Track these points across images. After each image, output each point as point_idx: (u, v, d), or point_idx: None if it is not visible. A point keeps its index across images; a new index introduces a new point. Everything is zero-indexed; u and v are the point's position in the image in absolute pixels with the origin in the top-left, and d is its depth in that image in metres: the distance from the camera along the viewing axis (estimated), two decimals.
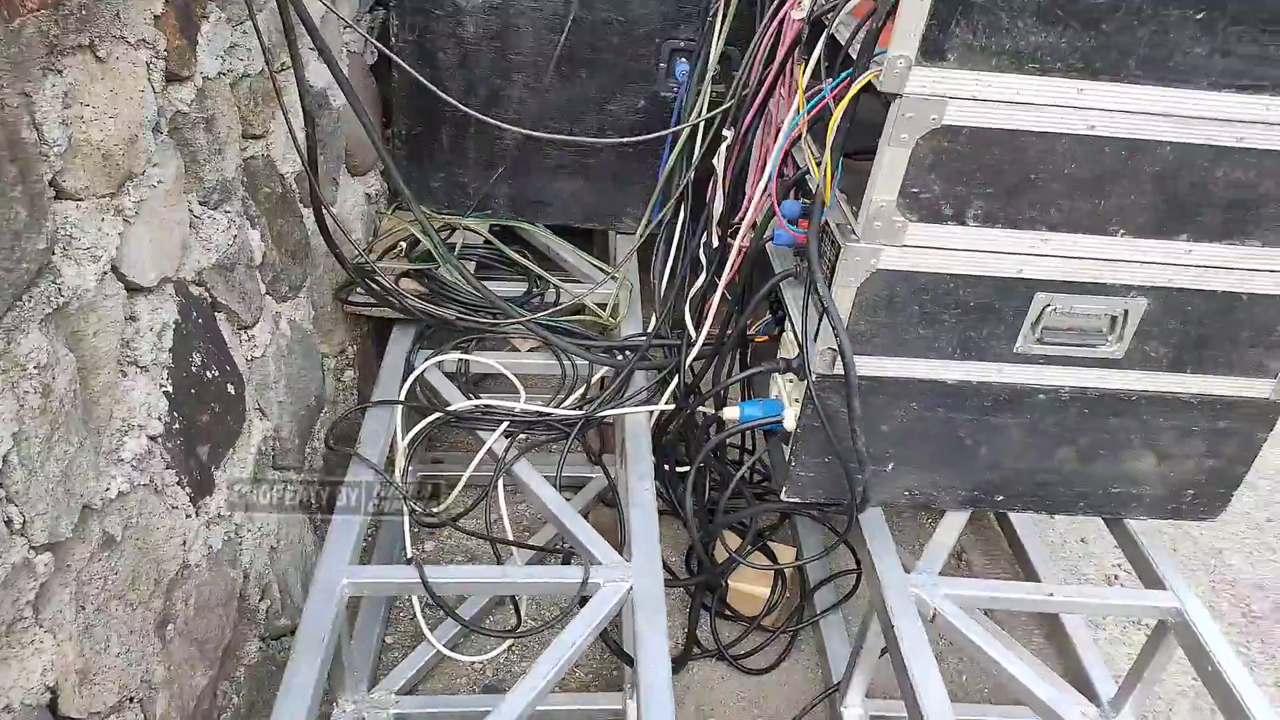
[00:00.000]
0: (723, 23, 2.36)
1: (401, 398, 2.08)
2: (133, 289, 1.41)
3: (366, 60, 2.66)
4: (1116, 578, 2.40)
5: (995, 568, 2.42)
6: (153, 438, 1.44)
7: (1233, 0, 1.38)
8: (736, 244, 2.02)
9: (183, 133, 1.57)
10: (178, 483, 1.50)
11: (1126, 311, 1.65)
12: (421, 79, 1.96)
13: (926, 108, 1.46)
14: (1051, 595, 1.79)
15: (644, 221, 2.62)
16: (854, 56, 1.55)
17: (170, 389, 1.49)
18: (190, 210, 1.61)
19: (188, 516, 1.52)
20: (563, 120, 2.58)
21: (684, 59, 2.51)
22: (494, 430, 2.01)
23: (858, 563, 2.28)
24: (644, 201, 2.71)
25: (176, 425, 1.50)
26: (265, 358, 1.87)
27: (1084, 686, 2.03)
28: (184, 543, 1.51)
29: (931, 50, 1.41)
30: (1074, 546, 2.50)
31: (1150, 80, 1.44)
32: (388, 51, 2.04)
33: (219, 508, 1.64)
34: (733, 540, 2.20)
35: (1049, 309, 1.65)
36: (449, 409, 2.04)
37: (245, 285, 1.79)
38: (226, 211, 1.73)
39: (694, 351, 2.10)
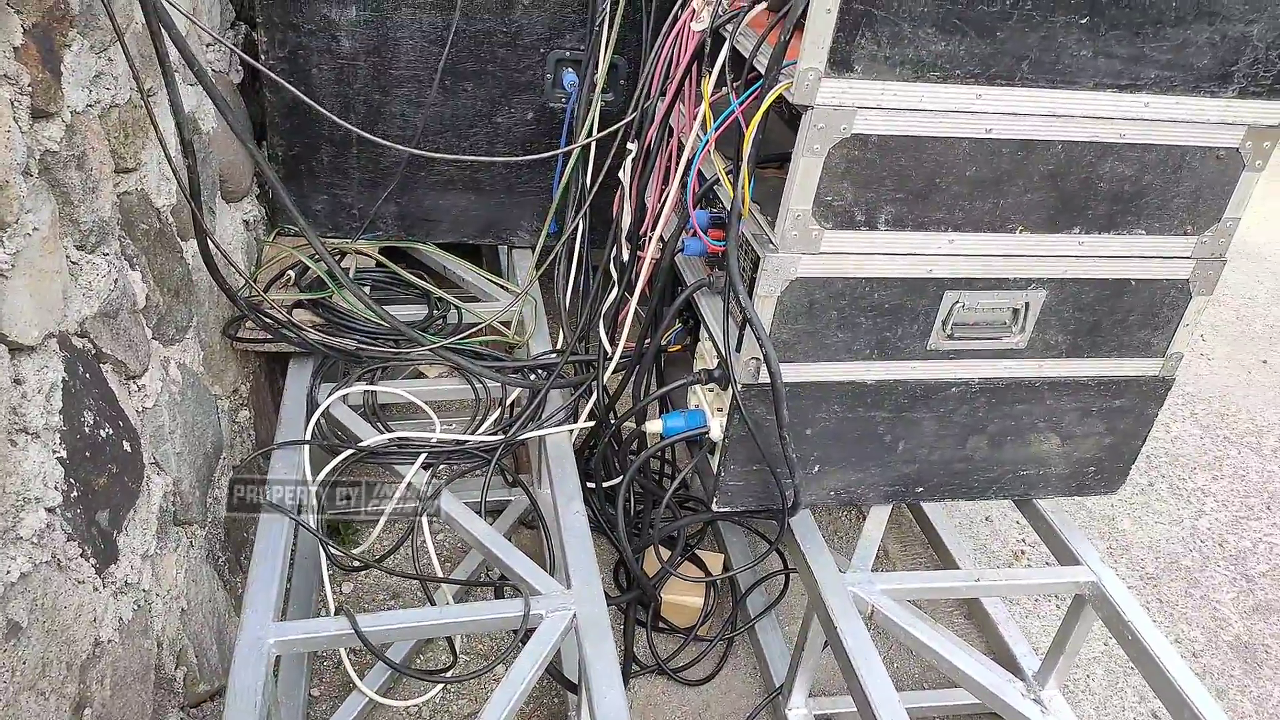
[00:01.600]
0: (609, 32, 2.34)
1: (307, 436, 1.97)
2: (15, 349, 1.29)
3: (232, 79, 2.52)
4: (1023, 553, 2.53)
5: (911, 553, 2.50)
6: (50, 509, 1.31)
7: (1110, 5, 1.46)
8: (648, 256, 2.01)
9: (54, 173, 1.44)
10: (81, 555, 1.37)
11: (1028, 304, 1.73)
12: (302, 96, 1.85)
13: (837, 118, 1.48)
14: (979, 581, 1.87)
15: (543, 235, 2.58)
16: (760, 69, 1.57)
17: (64, 454, 1.36)
18: (68, 256, 1.48)
19: (95, 590, 1.40)
20: (449, 135, 2.51)
21: (570, 69, 2.48)
22: (410, 463, 1.93)
23: (785, 564, 2.32)
24: (538, 214, 2.67)
25: (74, 493, 1.38)
26: (158, 407, 1.75)
27: (1008, 662, 2.13)
28: (94, 619, 1.38)
29: (839, 62, 1.44)
30: (980, 526, 2.61)
31: (1041, 83, 1.51)
32: (261, 68, 1.93)
33: (125, 575, 1.52)
34: (661, 551, 2.19)
35: (957, 305, 1.71)
36: (362, 445, 1.95)
37: (130, 332, 1.66)
38: (105, 254, 1.60)
39: (611, 366, 2.08)
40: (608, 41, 2.34)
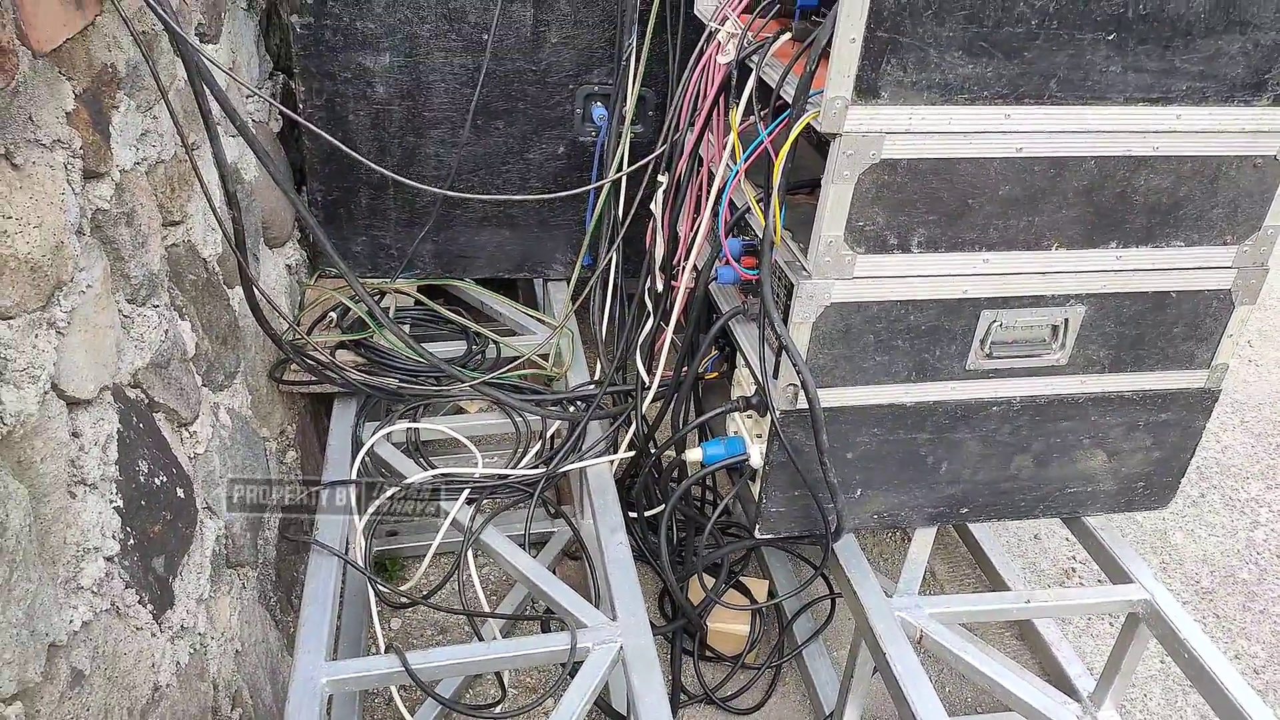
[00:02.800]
0: (636, 65, 2.37)
1: (353, 475, 2.01)
2: (74, 403, 1.33)
3: (272, 128, 2.59)
4: (1073, 570, 2.49)
5: (959, 574, 2.48)
6: (109, 558, 1.35)
7: (1138, 21, 1.46)
8: (682, 286, 2.03)
9: (105, 230, 1.49)
10: (139, 601, 1.41)
11: (1067, 320, 1.72)
12: (339, 144, 1.89)
13: (865, 144, 1.49)
14: (1029, 602, 1.84)
15: (577, 267, 2.61)
16: (787, 99, 1.58)
17: (121, 503, 1.40)
18: (120, 310, 1.53)
19: (153, 635, 1.44)
20: (483, 173, 2.56)
21: (600, 103, 2.51)
22: (455, 499, 1.95)
23: (830, 589, 2.30)
24: (572, 247, 2.70)
25: (131, 541, 1.41)
26: (209, 453, 1.79)
27: (1062, 684, 2.09)
28: (153, 664, 1.42)
29: (865, 89, 1.45)
30: (1029, 544, 2.58)
31: (1071, 100, 1.51)
32: (298, 119, 1.98)
33: (182, 620, 1.55)
34: (705, 579, 2.19)
35: (995, 324, 1.70)
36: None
37: (181, 381, 1.71)
38: (155, 306, 1.65)
39: (649, 396, 2.09)
40: (635, 75, 2.37)
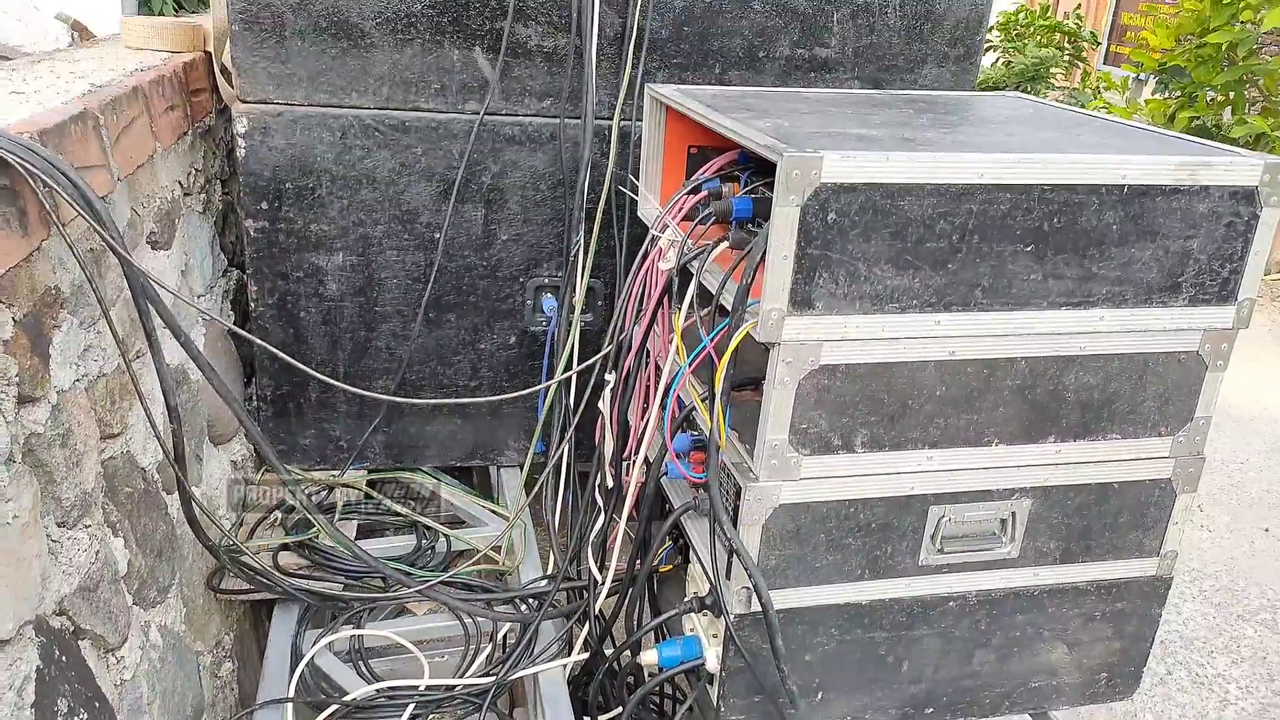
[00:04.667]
0: (585, 259, 2.45)
1: (291, 692, 1.91)
2: None
3: (222, 324, 2.59)
4: None
5: None
6: None
7: (1054, 233, 1.54)
8: (633, 481, 2.02)
9: (37, 454, 1.46)
10: None
11: (1014, 513, 1.73)
12: (282, 355, 1.88)
13: (803, 351, 1.53)
14: None
15: (530, 454, 2.60)
16: (726, 305, 1.63)
17: None
18: (49, 535, 1.48)
19: None
20: (434, 363, 2.57)
21: (550, 295, 2.57)
22: (399, 715, 1.86)
23: None
24: (525, 433, 2.70)
25: None
26: (136, 679, 1.69)
27: None
28: None
29: (800, 301, 1.50)
30: None
31: (997, 306, 1.57)
32: (241, 332, 1.98)
33: None
34: None
35: (944, 520, 1.70)
36: (347, 699, 1.88)
37: (110, 603, 1.63)
38: (86, 526, 1.59)
39: (602, 595, 2.04)
40: (583, 268, 2.44)
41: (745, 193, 1.79)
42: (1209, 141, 1.73)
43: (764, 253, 1.51)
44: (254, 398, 2.54)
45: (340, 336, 2.49)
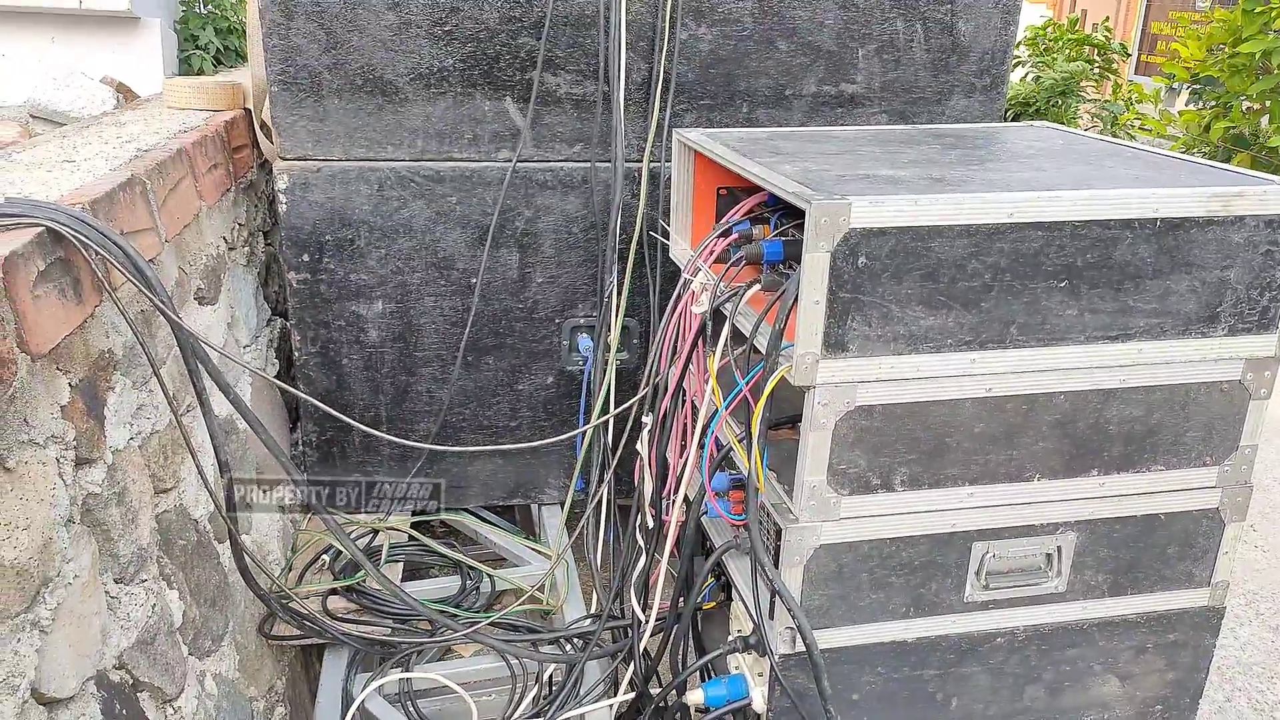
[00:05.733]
0: (619, 299, 2.48)
1: None
2: (54, 703, 1.30)
3: (269, 373, 2.66)
4: None
5: None
6: None
7: (1088, 268, 1.54)
8: (673, 519, 2.03)
9: (95, 514, 1.51)
10: None
11: (1059, 548, 1.71)
12: (323, 406, 1.92)
13: (839, 393, 1.53)
14: None
15: (570, 491, 2.62)
16: (760, 349, 1.64)
17: None
18: (107, 592, 1.52)
19: None
20: (474, 405, 2.61)
21: (585, 334, 2.60)
22: None
23: None
24: (565, 471, 2.72)
25: None
26: None
27: None
28: None
29: (834, 344, 1.51)
30: None
31: (1033, 343, 1.56)
32: (286, 386, 2.03)
33: None
34: None
35: (988, 556, 1.69)
36: None
37: (168, 655, 1.68)
38: (143, 581, 1.64)
39: (646, 636, 2.05)
40: (618, 308, 2.47)
41: (775, 235, 1.80)
42: (1243, 170, 1.72)
43: (796, 297, 1.52)
44: (299, 443, 2.59)
45: (381, 382, 2.54)
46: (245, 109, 2.70)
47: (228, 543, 2.04)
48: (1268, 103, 5.64)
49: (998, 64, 2.55)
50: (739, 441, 1.80)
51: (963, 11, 2.50)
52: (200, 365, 1.69)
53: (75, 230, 1.47)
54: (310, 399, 1.84)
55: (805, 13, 2.45)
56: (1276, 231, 1.57)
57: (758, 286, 1.76)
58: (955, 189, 1.57)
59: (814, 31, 2.46)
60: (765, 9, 2.43)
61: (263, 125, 2.57)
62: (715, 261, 1.89)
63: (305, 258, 2.40)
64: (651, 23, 2.39)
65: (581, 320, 2.59)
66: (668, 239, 2.17)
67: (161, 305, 1.59)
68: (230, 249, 2.44)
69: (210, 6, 4.18)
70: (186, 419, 1.86)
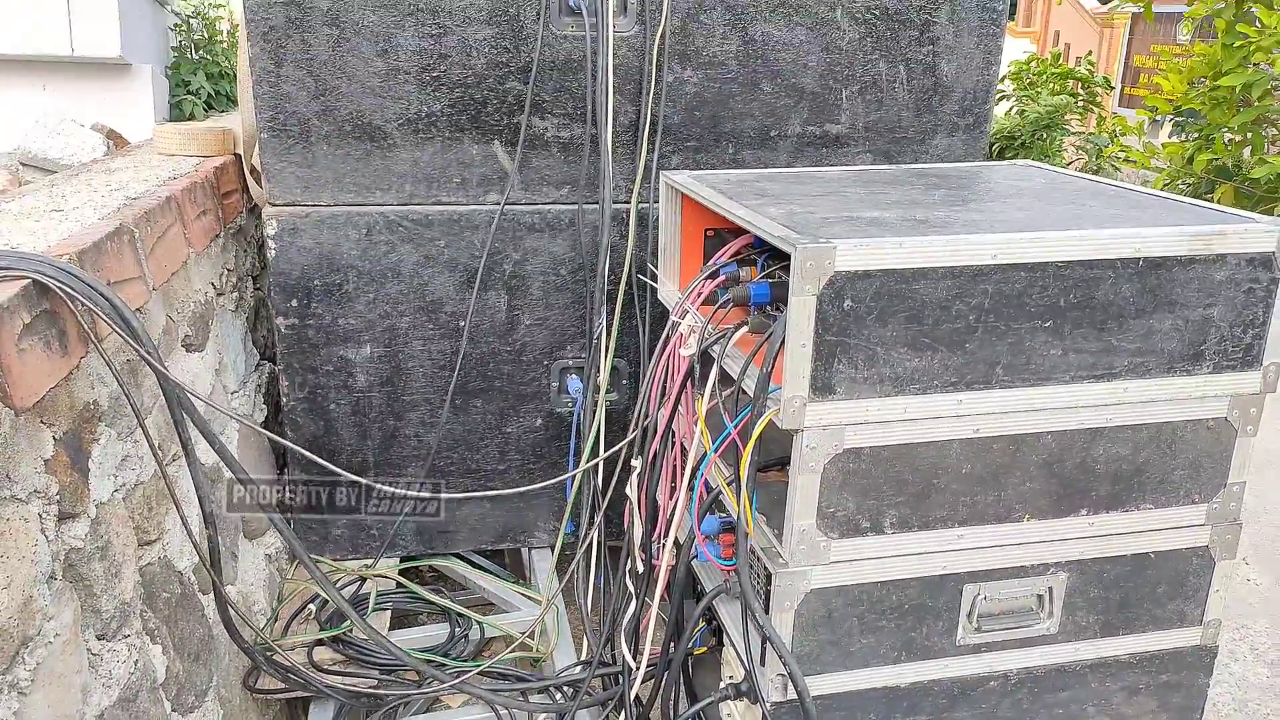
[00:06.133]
0: (608, 341, 2.48)
1: None
2: None
3: (257, 419, 2.65)
4: None
5: None
6: None
7: (1071, 308, 1.55)
8: (663, 563, 2.01)
9: (77, 569, 1.49)
10: None
11: (1050, 588, 1.70)
12: (309, 455, 1.90)
13: (827, 436, 1.53)
14: None
15: (560, 535, 2.60)
16: (748, 391, 1.64)
17: None
18: (88, 649, 1.50)
19: None
20: (462, 449, 2.60)
21: (575, 375, 2.60)
22: None
23: None
24: (554, 514, 2.70)
25: None
26: None
27: None
28: None
29: (821, 387, 1.51)
30: None
31: (1019, 384, 1.57)
32: (275, 438, 2.02)
33: None
34: None
35: (979, 598, 1.68)
36: None
37: (150, 713, 1.65)
38: (126, 637, 1.62)
39: (637, 683, 2.02)
40: (607, 349, 2.47)
41: (762, 277, 1.81)
42: (1224, 208, 1.74)
43: (783, 340, 1.52)
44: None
45: (369, 426, 2.53)
46: (235, 154, 2.71)
47: (212, 594, 2.01)
48: (1249, 134, 5.70)
49: (980, 103, 2.58)
50: (728, 485, 1.79)
51: (944, 52, 2.53)
52: (186, 415, 1.68)
53: (62, 282, 1.46)
54: (296, 448, 1.83)
55: (789, 55, 2.47)
56: (1258, 269, 1.59)
57: (745, 328, 1.77)
58: (939, 230, 1.58)
59: (797, 73, 2.49)
60: (749, 52, 2.46)
61: (252, 170, 2.58)
62: (703, 303, 1.90)
63: (294, 303, 2.40)
64: (638, 66, 2.41)
65: (570, 361, 2.59)
66: (656, 282, 2.18)
67: (147, 356, 1.58)
68: (219, 294, 2.44)
69: (202, 52, 4.22)
70: (172, 468, 1.84)
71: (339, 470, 1.81)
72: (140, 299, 1.84)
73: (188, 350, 2.16)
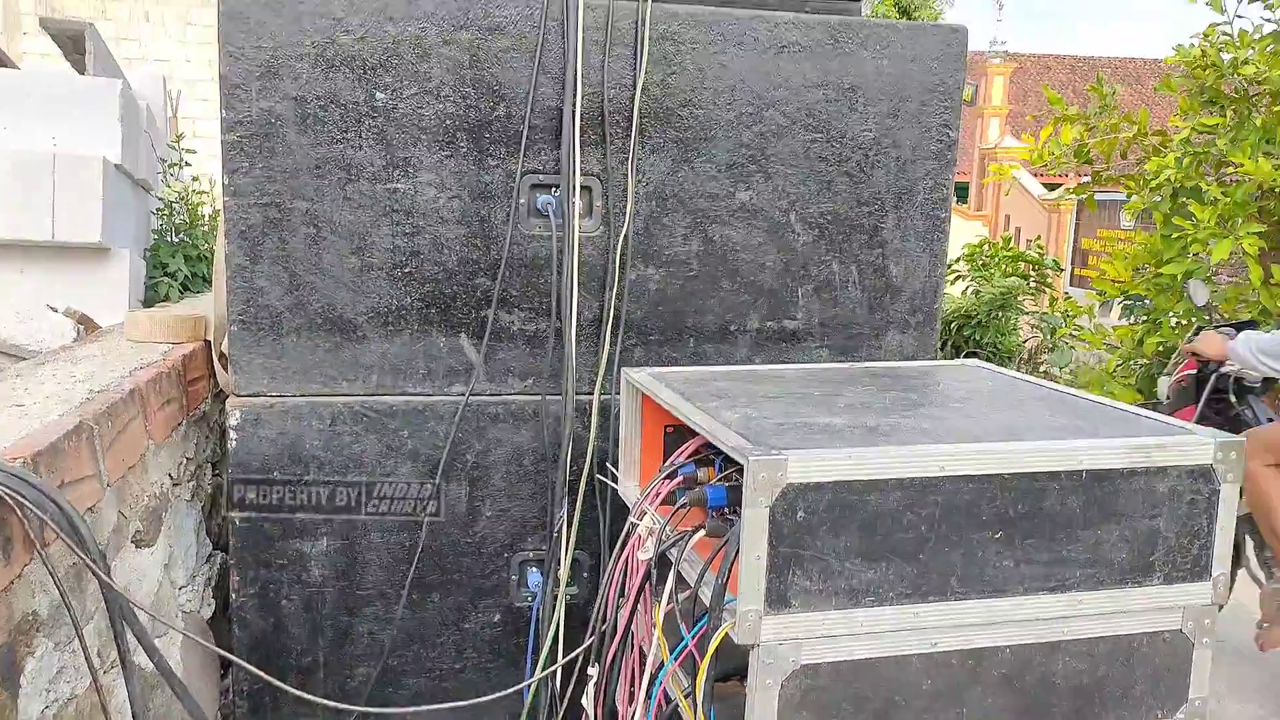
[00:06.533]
0: (568, 533, 2.46)
1: None
2: None
3: (203, 614, 2.56)
4: None
5: None
6: None
7: (1020, 518, 1.57)
8: None
9: None
10: None
11: None
12: (250, 668, 1.84)
13: (783, 652, 1.51)
14: None
15: None
16: (705, 600, 1.63)
17: None
18: None
19: None
20: (417, 646, 2.52)
21: (535, 569, 2.56)
22: None
23: None
24: (512, 716, 2.59)
25: None
26: None
27: None
28: None
29: (776, 599, 1.50)
30: None
31: (974, 595, 1.57)
32: (215, 648, 1.95)
33: None
34: None
35: None
36: None
37: None
38: None
39: None
40: (568, 543, 2.45)
41: (719, 479, 1.83)
42: (1167, 419, 1.80)
43: (738, 550, 1.53)
44: (230, 691, 2.46)
45: (321, 623, 2.45)
46: (206, 340, 2.75)
47: None
48: (1193, 319, 5.96)
49: (928, 302, 2.70)
50: (685, 697, 1.74)
51: (893, 255, 2.67)
52: (126, 627, 1.63)
53: (13, 489, 1.45)
54: (239, 661, 1.77)
55: (747, 255, 2.59)
56: (1199, 481, 1.63)
57: (703, 532, 1.77)
58: (889, 438, 1.63)
59: (755, 272, 2.61)
60: (709, 251, 2.58)
61: (220, 356, 2.61)
62: (662, 503, 1.91)
63: (252, 496, 2.38)
64: (602, 264, 2.51)
65: (530, 554, 2.56)
66: (615, 483, 2.19)
67: (93, 565, 1.55)
68: (175, 484, 2.42)
69: (182, 235, 4.35)
70: (108, 678, 1.77)
71: (283, 685, 1.74)
72: (93, 497, 1.82)
73: (138, 546, 2.12)
